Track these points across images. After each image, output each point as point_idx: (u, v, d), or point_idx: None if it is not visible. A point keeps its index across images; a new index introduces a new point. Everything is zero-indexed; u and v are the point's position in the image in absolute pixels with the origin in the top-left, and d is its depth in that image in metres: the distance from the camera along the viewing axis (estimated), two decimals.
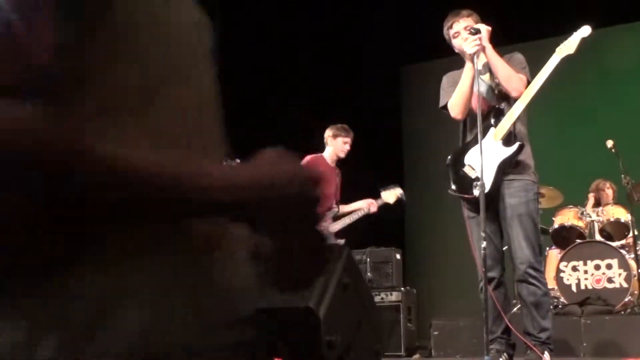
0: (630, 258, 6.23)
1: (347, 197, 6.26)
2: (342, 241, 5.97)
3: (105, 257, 0.74)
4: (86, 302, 0.72)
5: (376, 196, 6.33)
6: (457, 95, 4.26)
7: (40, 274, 0.72)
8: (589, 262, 6.32)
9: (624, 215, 6.67)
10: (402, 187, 6.55)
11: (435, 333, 5.94)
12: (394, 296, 6.57)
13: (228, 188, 0.80)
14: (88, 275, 0.73)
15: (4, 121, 0.65)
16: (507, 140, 4.18)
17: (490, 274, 4.08)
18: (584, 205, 7.15)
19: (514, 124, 4.19)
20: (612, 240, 6.68)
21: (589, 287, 6.26)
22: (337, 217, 6.11)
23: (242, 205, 0.81)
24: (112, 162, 0.70)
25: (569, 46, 4.27)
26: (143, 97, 0.81)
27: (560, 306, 6.26)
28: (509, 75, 4.14)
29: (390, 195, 6.34)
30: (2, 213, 0.67)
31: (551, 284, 6.20)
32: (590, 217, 6.88)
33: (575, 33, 4.30)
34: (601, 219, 6.81)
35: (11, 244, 0.70)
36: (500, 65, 4.16)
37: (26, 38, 0.69)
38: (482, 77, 4.28)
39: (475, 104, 4.11)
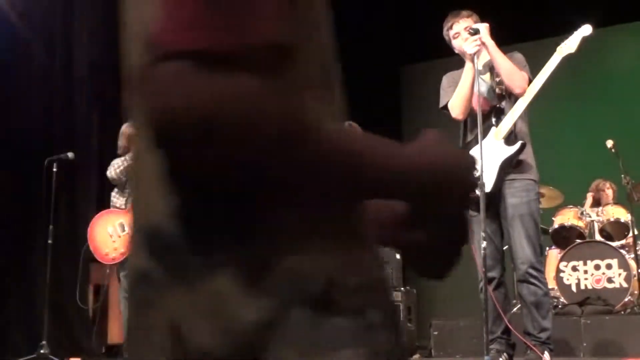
0: (630, 258, 6.23)
1: None
2: None
3: (326, 235, 0.76)
4: (316, 280, 0.73)
5: None
6: (458, 95, 4.26)
7: (282, 251, 0.73)
8: (588, 262, 6.31)
9: (624, 215, 6.67)
10: None
11: (435, 333, 5.93)
12: (393, 296, 6.58)
13: (409, 168, 0.78)
14: (317, 253, 0.74)
15: (235, 96, 0.67)
16: (509, 139, 4.17)
17: (491, 274, 4.08)
18: (583, 205, 7.15)
19: (515, 123, 4.19)
20: (612, 240, 6.67)
21: (589, 287, 6.26)
22: None
23: (418, 186, 0.79)
24: (335, 142, 0.73)
25: (569, 45, 4.27)
26: (328, 74, 0.83)
27: (560, 306, 6.26)
28: (511, 71, 4.14)
29: None
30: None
31: (551, 284, 6.19)
32: (590, 217, 6.87)
33: (575, 32, 4.30)
34: (601, 219, 6.81)
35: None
36: (503, 62, 4.16)
37: (254, 10, 0.68)
38: (482, 76, 4.28)
39: (475, 104, 4.11)
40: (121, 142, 5.36)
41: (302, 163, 0.71)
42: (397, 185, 0.76)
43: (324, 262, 0.75)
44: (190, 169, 0.70)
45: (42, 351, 5.40)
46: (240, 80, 0.68)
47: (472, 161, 0.84)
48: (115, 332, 6.87)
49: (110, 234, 5.16)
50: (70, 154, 5.89)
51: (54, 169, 5.79)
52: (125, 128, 5.36)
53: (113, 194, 5.36)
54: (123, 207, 5.21)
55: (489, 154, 4.10)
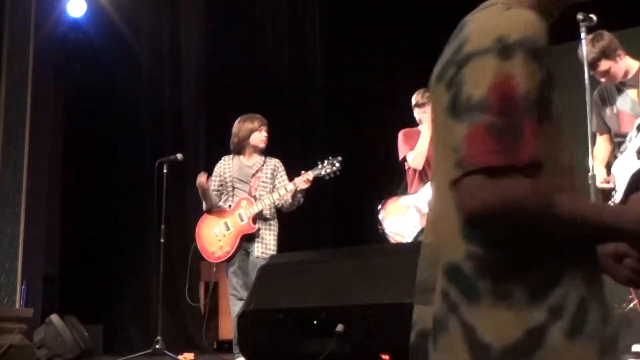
0: None
1: None
2: None
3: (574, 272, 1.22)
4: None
5: None
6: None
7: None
8: None
9: None
10: None
11: None
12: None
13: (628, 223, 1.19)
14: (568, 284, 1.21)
15: (510, 196, 1.15)
16: None
17: None
18: None
19: None
20: None
21: None
22: None
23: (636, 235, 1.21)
24: (575, 213, 1.19)
25: None
26: (571, 164, 1.28)
27: None
28: None
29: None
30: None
31: None
32: None
33: None
34: None
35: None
36: None
37: (521, 140, 1.16)
38: (627, 92, 4.27)
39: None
40: (233, 137, 5.46)
41: (550, 230, 1.18)
42: (620, 235, 1.23)
43: (575, 289, 1.19)
44: (490, 237, 1.21)
45: (157, 347, 5.58)
46: (513, 185, 1.14)
47: None
48: (226, 328, 7.03)
49: (216, 233, 5.26)
50: (179, 155, 6.07)
51: (164, 170, 5.97)
52: (237, 126, 5.46)
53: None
54: (227, 207, 5.30)
55: (625, 168, 4.08)
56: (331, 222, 8.19)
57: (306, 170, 5.24)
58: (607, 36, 4.35)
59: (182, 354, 5.91)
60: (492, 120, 1.16)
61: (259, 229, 5.17)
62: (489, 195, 1.14)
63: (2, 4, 6.48)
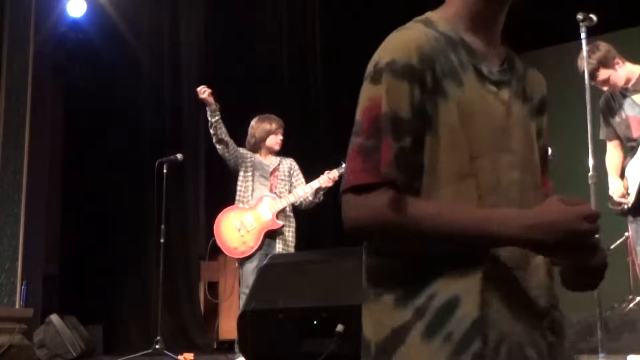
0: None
1: None
2: None
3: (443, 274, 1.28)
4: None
5: None
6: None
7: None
8: None
9: None
10: None
11: None
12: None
13: (523, 230, 1.21)
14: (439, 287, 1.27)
15: (369, 208, 1.24)
16: None
17: None
18: None
19: None
20: None
21: None
22: None
23: (534, 241, 1.21)
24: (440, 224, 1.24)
25: None
26: (463, 172, 1.28)
27: None
28: None
29: None
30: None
31: None
32: None
33: None
34: None
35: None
36: None
37: (380, 163, 1.25)
38: (633, 97, 4.31)
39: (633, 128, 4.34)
40: (249, 137, 5.50)
41: (418, 240, 1.25)
42: (511, 241, 1.24)
43: (449, 289, 1.25)
44: (367, 246, 1.37)
45: (157, 347, 5.58)
46: (372, 201, 1.24)
47: (580, 215, 1.19)
48: (227, 328, 7.03)
49: (238, 227, 5.21)
50: (179, 156, 6.07)
51: (164, 170, 5.97)
52: (253, 125, 5.50)
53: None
54: (249, 195, 5.30)
55: (637, 171, 4.20)
56: (332, 222, 8.18)
57: (330, 169, 5.31)
58: (603, 46, 4.38)
59: (182, 354, 5.90)
60: (362, 141, 1.28)
61: (283, 226, 5.20)
62: (356, 211, 1.26)
63: (2, 4, 6.48)
